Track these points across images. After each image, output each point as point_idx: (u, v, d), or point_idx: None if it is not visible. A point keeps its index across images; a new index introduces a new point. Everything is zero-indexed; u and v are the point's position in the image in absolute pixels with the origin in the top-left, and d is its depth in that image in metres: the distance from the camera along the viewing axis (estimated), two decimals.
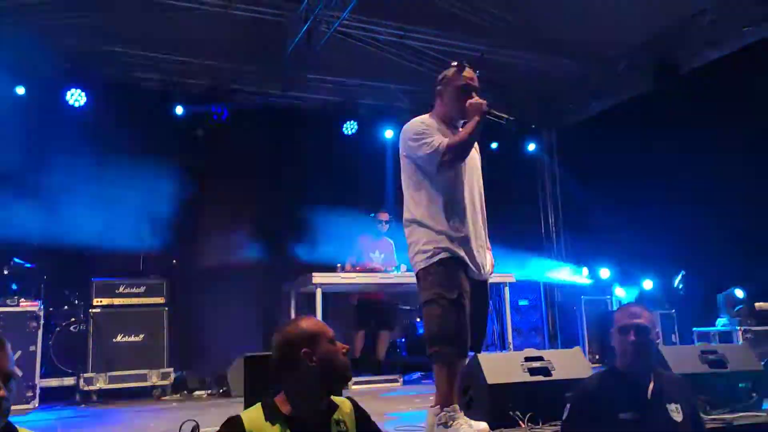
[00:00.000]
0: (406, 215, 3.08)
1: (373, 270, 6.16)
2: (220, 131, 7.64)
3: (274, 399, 1.95)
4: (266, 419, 1.88)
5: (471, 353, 3.31)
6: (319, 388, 1.94)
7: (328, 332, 1.98)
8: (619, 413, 2.29)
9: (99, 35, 7.04)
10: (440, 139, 2.91)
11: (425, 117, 3.11)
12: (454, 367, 2.85)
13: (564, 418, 2.45)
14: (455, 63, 3.09)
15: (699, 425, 2.46)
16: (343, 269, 6.11)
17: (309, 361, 1.91)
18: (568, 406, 2.44)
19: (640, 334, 2.36)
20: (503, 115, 3.01)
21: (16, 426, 1.65)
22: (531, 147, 9.48)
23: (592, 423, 2.31)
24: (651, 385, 2.38)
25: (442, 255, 2.90)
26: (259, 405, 1.94)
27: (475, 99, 2.98)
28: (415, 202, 3.02)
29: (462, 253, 2.93)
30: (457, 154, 2.90)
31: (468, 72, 3.06)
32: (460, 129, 3.08)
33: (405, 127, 3.07)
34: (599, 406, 2.33)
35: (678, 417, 2.32)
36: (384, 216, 6.69)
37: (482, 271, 3.04)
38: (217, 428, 1.87)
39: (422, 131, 2.97)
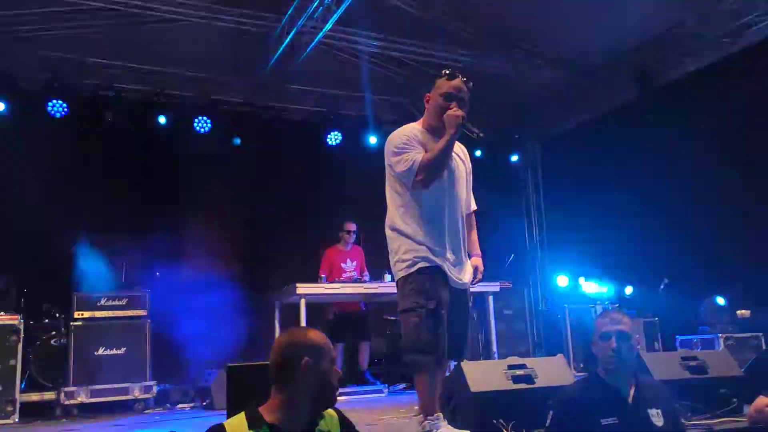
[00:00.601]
0: (387, 222, 3.08)
1: (356, 281, 6.16)
2: (204, 142, 7.62)
3: (258, 408, 1.94)
4: (250, 427, 1.86)
5: (453, 362, 3.33)
6: (307, 401, 1.93)
7: (332, 352, 1.99)
8: (601, 419, 2.32)
9: (82, 47, 7.02)
10: (415, 156, 2.89)
11: (413, 126, 3.09)
12: (432, 376, 2.85)
13: (547, 425, 2.46)
14: (446, 71, 3.06)
15: (679, 430, 2.48)
16: (326, 280, 6.10)
17: (307, 372, 1.90)
18: (551, 413, 2.46)
19: (621, 341, 2.38)
20: (475, 130, 2.98)
21: None
22: (514, 158, 9.55)
23: (575, 429, 2.33)
24: (632, 391, 2.40)
25: (421, 264, 2.91)
26: (242, 414, 1.92)
27: (452, 110, 2.92)
28: (397, 210, 3.02)
29: (441, 263, 2.93)
30: (429, 172, 2.88)
31: (456, 81, 3.00)
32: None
33: (390, 136, 3.07)
34: (581, 412, 2.36)
35: (659, 422, 2.35)
36: (350, 226, 6.66)
37: (462, 280, 3.04)
38: None
39: (403, 144, 2.96)
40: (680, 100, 7.28)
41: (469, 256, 3.21)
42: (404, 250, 2.95)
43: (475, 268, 3.17)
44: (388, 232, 3.08)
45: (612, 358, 2.38)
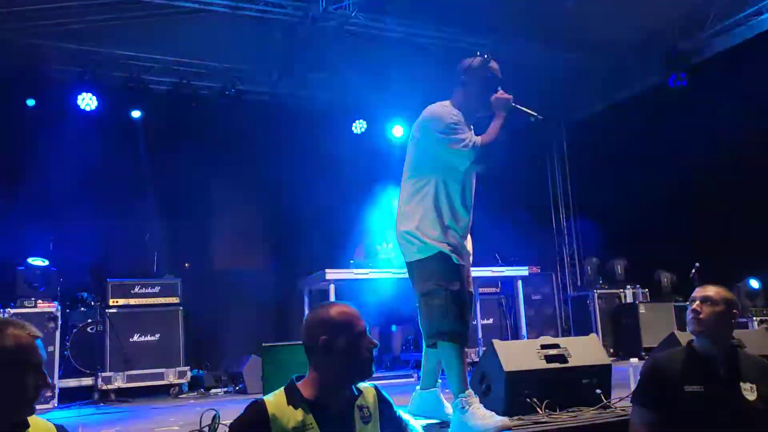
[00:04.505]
0: (403, 202, 2.98)
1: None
2: (230, 131, 7.69)
3: (297, 384, 1.96)
4: (288, 403, 1.88)
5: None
6: (337, 378, 1.94)
7: (358, 324, 1.94)
8: (685, 386, 2.31)
9: (109, 40, 7.12)
10: (473, 137, 2.84)
11: (449, 105, 2.97)
12: (460, 355, 2.85)
13: (636, 386, 2.49)
14: (482, 53, 3.02)
15: None
16: (356, 259, 6.09)
17: (328, 350, 1.90)
18: (639, 375, 2.49)
19: (703, 305, 2.40)
20: (531, 112, 2.96)
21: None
22: (540, 141, 9.43)
23: (658, 392, 2.35)
24: (726, 362, 2.38)
25: (443, 247, 2.87)
26: (281, 389, 1.94)
27: (501, 93, 2.92)
28: (417, 189, 2.94)
29: (459, 245, 2.93)
30: (488, 154, 2.84)
31: (494, 64, 2.99)
32: (471, 125, 3.01)
33: (430, 113, 2.94)
34: (666, 377, 2.36)
35: (751, 396, 2.31)
36: None
37: (469, 259, 3.05)
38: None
39: (455, 124, 2.86)
40: (708, 81, 7.13)
41: None
42: (423, 231, 2.88)
43: None
44: (402, 211, 2.97)
45: (691, 320, 2.41)
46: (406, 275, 2.99)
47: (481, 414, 2.77)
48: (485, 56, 3.00)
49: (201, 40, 7.36)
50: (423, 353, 3.21)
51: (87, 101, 6.97)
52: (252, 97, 8.05)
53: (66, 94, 6.99)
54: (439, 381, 3.20)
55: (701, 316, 2.39)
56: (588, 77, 8.66)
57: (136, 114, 7.33)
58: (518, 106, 2.95)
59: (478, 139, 2.85)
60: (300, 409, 1.87)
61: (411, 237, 2.91)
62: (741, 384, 2.33)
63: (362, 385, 2.04)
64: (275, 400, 1.90)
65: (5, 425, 1.56)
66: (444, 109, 2.94)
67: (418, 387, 3.22)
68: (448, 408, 3.05)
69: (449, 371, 2.86)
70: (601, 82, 8.58)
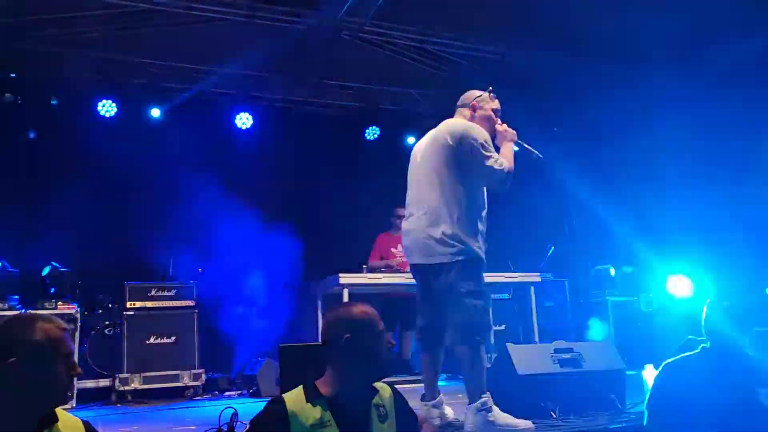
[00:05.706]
0: (436, 203, 3.06)
1: (398, 269, 6.19)
2: (245, 138, 7.78)
3: (315, 382, 2.01)
4: (307, 400, 1.93)
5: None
6: (357, 376, 1.99)
7: (378, 325, 2.02)
8: (702, 390, 2.33)
9: (127, 47, 7.24)
10: (505, 163, 3.05)
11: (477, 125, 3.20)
12: (484, 356, 2.97)
13: (650, 391, 2.51)
14: (491, 88, 3.27)
15: None
16: (368, 269, 6.14)
17: (350, 349, 1.96)
18: (655, 379, 2.50)
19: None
20: (533, 150, 3.21)
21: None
22: (553, 148, 9.41)
23: (674, 398, 2.37)
24: (741, 368, 2.39)
25: (480, 252, 3.04)
26: (300, 387, 1.99)
27: (505, 126, 3.22)
28: (451, 195, 3.04)
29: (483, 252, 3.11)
30: (510, 179, 3.09)
31: (496, 100, 3.27)
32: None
33: (465, 125, 3.13)
34: (681, 382, 2.38)
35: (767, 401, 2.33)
36: (401, 212, 6.67)
37: None
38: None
39: (489, 144, 3.08)
40: (723, 87, 7.09)
41: None
42: (463, 234, 3.01)
43: None
44: (435, 215, 3.05)
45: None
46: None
47: (504, 415, 2.87)
48: (492, 90, 3.28)
49: (217, 48, 7.47)
50: (426, 364, 3.25)
51: (107, 108, 7.10)
52: (266, 104, 8.13)
53: (85, 99, 7.12)
54: (440, 392, 3.24)
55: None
56: (602, 84, 8.65)
57: (152, 119, 7.42)
58: (522, 142, 3.22)
59: (506, 163, 3.04)
60: (318, 406, 1.92)
61: (449, 238, 3.00)
62: (758, 389, 2.34)
63: (378, 384, 2.09)
64: (294, 398, 1.95)
65: (41, 413, 1.65)
66: (479, 128, 3.14)
67: (421, 401, 3.24)
68: (451, 412, 3.11)
69: (473, 370, 2.92)
70: (616, 88, 8.55)
